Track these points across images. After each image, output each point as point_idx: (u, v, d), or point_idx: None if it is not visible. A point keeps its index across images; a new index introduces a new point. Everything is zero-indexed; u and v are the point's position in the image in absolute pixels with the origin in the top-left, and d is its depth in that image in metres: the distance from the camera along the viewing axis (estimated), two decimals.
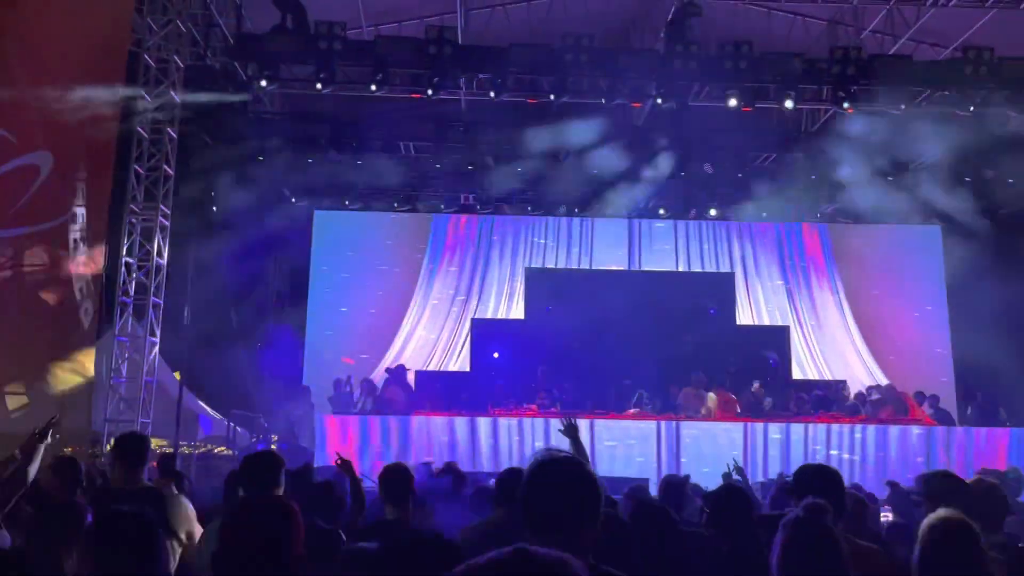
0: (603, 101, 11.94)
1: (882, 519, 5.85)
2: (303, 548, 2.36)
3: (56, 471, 4.33)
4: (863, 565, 2.85)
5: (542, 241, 15.59)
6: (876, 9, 12.52)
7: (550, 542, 1.87)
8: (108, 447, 10.28)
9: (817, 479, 3.46)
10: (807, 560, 2.36)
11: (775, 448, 11.31)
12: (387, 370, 13.35)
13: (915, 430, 11.60)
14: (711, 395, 12.18)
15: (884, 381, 14.20)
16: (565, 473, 2.05)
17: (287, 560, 2.26)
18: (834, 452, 11.21)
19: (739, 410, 12.18)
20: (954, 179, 13.85)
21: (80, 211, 10.06)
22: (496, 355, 13.88)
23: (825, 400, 12.75)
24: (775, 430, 11.46)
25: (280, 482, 3.76)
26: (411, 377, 13.16)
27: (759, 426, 11.51)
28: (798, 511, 2.56)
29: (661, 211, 15.08)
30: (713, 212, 15.19)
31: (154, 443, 11.49)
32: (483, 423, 11.37)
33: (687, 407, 12.12)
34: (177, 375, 12.06)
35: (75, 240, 10.05)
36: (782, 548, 2.40)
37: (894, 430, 11.52)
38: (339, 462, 5.13)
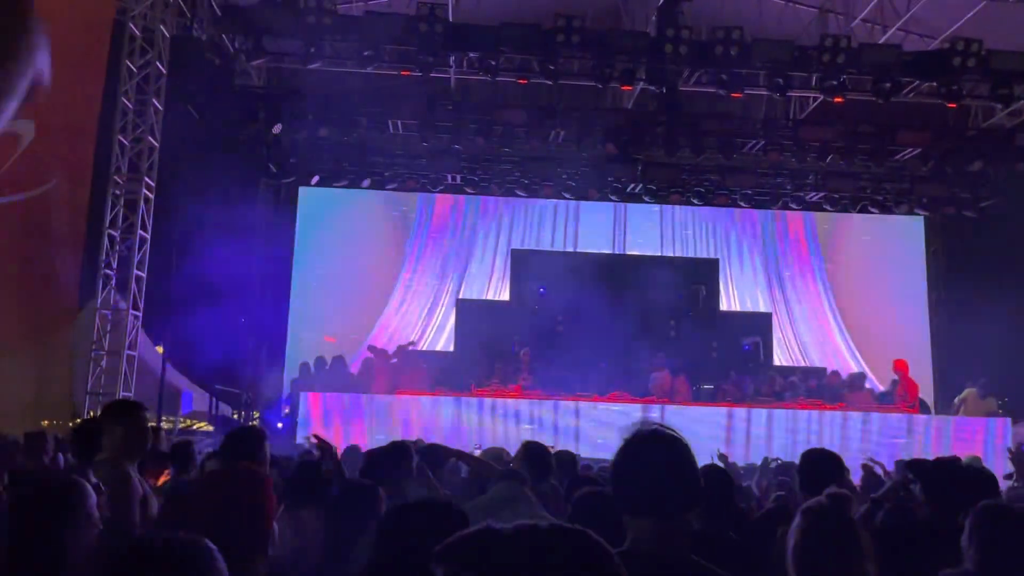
0: (593, 83, 11.91)
1: None
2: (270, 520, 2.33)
3: (26, 442, 4.32)
4: None
5: (528, 223, 15.57)
6: None
7: (653, 522, 1.83)
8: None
9: (824, 463, 3.47)
10: (827, 551, 2.28)
11: (757, 433, 11.42)
12: (369, 348, 13.33)
13: (894, 417, 11.75)
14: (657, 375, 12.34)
15: (864, 368, 14.35)
16: (671, 450, 1.91)
17: (249, 531, 2.23)
18: (813, 437, 11.32)
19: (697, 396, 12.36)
20: (938, 170, 13.94)
21: (63, 181, 9.93)
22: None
23: (806, 387, 12.87)
24: (757, 416, 11.57)
25: (261, 456, 3.75)
26: (394, 356, 13.13)
27: (741, 411, 11.62)
28: (821, 499, 2.49)
29: (646, 197, 15.08)
30: (699, 198, 15.20)
31: None
32: (465, 403, 11.39)
33: (657, 390, 12.28)
34: (160, 349, 11.98)
35: (57, 210, 9.93)
36: (801, 535, 2.31)
37: (873, 416, 11.67)
38: (317, 442, 5.10)
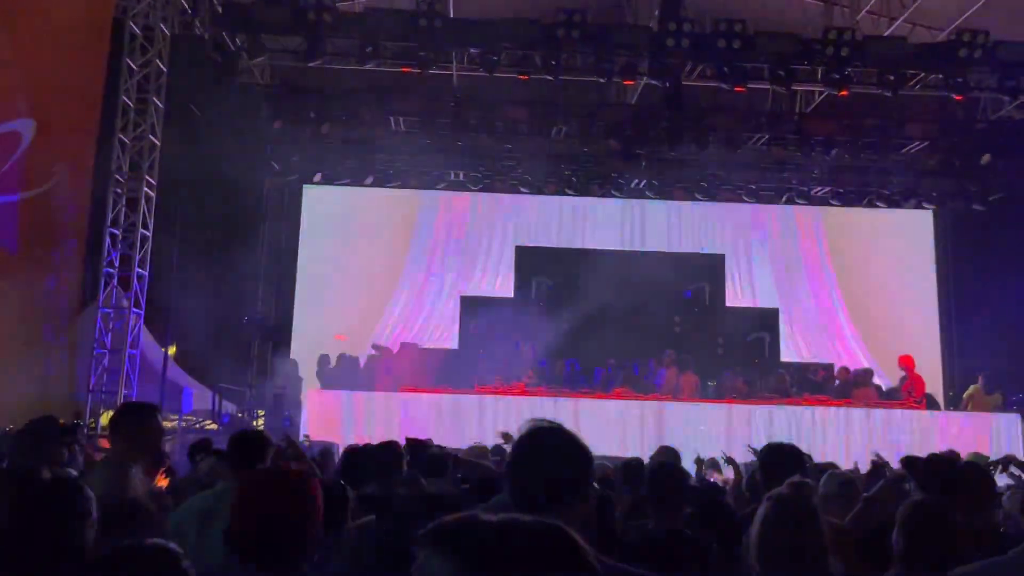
0: (595, 78, 11.84)
1: None
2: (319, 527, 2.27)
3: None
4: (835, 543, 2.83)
5: (532, 219, 15.51)
6: None
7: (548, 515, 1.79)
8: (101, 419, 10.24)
9: (782, 457, 3.45)
10: (787, 535, 2.31)
11: (762, 430, 11.33)
12: (374, 346, 13.31)
13: (899, 413, 11.64)
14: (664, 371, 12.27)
15: (872, 364, 14.22)
16: (554, 443, 1.91)
17: (309, 535, 2.14)
18: (819, 433, 11.23)
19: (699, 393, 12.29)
20: (946, 163, 13.80)
21: (63, 180, 9.95)
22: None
23: (812, 383, 12.78)
24: (762, 413, 11.49)
25: (264, 462, 3.73)
26: (398, 353, 13.10)
27: (746, 408, 11.55)
28: (782, 488, 2.53)
29: (649, 193, 15.00)
30: (703, 193, 15.11)
31: None
32: (469, 400, 11.35)
33: (664, 387, 12.21)
34: (172, 350, 11.98)
35: (58, 208, 9.95)
36: (762, 522, 2.36)
37: (878, 413, 11.56)
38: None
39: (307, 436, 10.24)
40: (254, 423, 12.90)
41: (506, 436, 5.35)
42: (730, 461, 6.48)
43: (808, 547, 2.23)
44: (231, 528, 2.02)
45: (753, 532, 2.29)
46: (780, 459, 3.38)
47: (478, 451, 5.13)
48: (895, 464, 6.73)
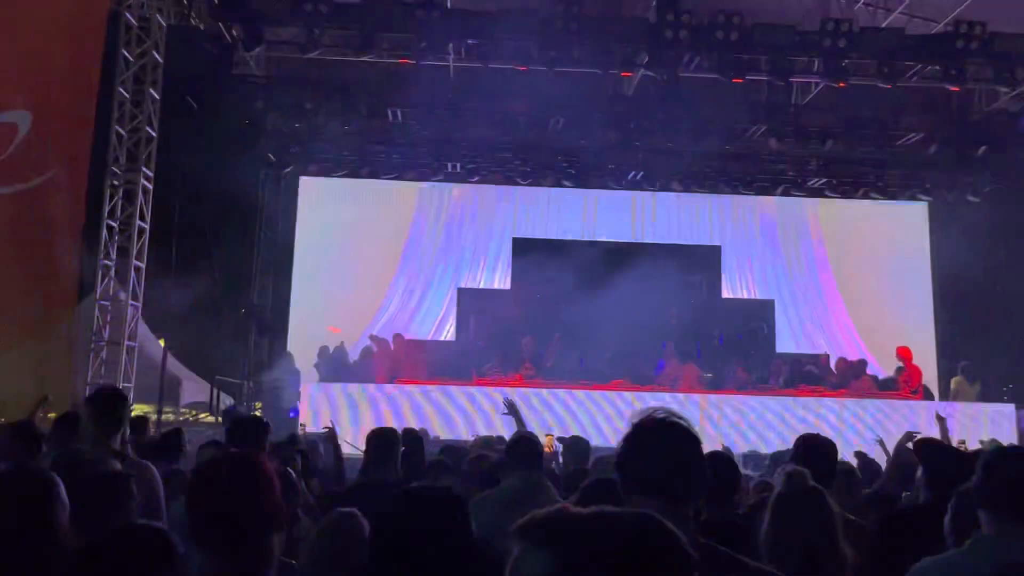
0: (593, 69, 11.82)
1: None
2: (277, 505, 2.28)
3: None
4: (851, 537, 2.85)
5: (529, 211, 15.50)
6: None
7: (662, 504, 1.79)
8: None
9: (812, 450, 3.47)
10: (797, 524, 2.31)
11: (757, 421, 11.39)
12: (370, 337, 13.31)
13: (897, 403, 11.70)
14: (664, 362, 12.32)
15: (868, 355, 14.28)
16: (677, 436, 1.93)
17: (261, 516, 2.16)
18: (815, 424, 11.27)
19: (703, 384, 12.32)
20: (942, 155, 13.83)
21: (60, 172, 9.90)
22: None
23: (808, 374, 12.82)
24: (758, 403, 11.55)
25: (262, 446, 3.76)
26: (395, 345, 13.11)
27: (741, 399, 11.60)
28: (786, 479, 2.52)
29: (647, 184, 15.00)
30: (700, 185, 15.13)
31: (141, 410, 11.46)
32: (466, 392, 11.36)
33: (664, 378, 12.24)
34: (162, 341, 11.97)
35: (55, 201, 9.91)
36: (772, 511, 2.36)
37: (876, 403, 11.62)
38: (327, 428, 5.33)
39: (302, 425, 10.28)
40: (256, 415, 12.90)
41: (510, 405, 5.31)
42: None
43: (819, 537, 2.24)
44: (187, 515, 2.04)
45: (764, 523, 2.30)
46: (806, 451, 3.41)
47: (483, 443, 5.14)
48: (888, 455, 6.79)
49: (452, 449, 5.39)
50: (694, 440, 1.95)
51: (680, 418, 1.99)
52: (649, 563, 1.05)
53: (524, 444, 3.93)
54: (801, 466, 3.39)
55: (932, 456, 3.55)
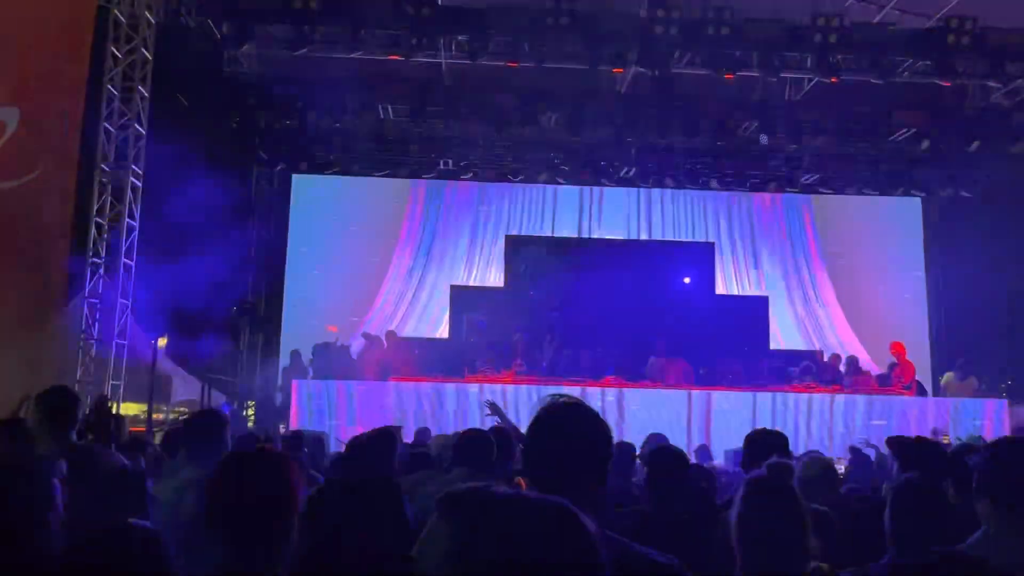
0: (584, 65, 11.80)
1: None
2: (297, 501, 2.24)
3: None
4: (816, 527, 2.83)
5: (522, 208, 15.49)
6: None
7: (557, 491, 1.76)
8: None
9: (768, 443, 3.46)
10: (766, 518, 2.29)
11: (749, 416, 11.36)
12: (364, 335, 13.29)
13: (890, 399, 11.70)
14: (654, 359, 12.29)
15: (862, 351, 14.28)
16: (575, 419, 1.89)
17: (281, 517, 2.08)
18: (807, 420, 11.27)
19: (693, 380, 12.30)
20: (935, 151, 13.82)
21: (48, 169, 9.84)
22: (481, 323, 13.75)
23: (801, 370, 12.79)
24: (749, 399, 11.53)
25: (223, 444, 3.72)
26: (388, 343, 13.08)
27: (734, 395, 11.58)
28: (761, 470, 2.50)
29: (639, 181, 14.98)
30: (693, 181, 15.11)
31: (131, 408, 11.42)
32: (459, 389, 11.33)
33: (652, 375, 12.21)
34: (162, 342, 11.90)
35: (43, 199, 9.85)
36: (742, 504, 2.33)
37: (862, 399, 11.63)
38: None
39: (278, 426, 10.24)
40: (244, 414, 12.87)
41: (492, 406, 5.36)
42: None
43: (788, 529, 2.21)
44: (205, 506, 2.01)
45: (733, 515, 2.27)
46: (763, 443, 3.38)
47: (443, 445, 5.11)
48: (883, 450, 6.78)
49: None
50: (593, 420, 1.90)
51: (577, 401, 1.97)
52: (551, 554, 1.05)
53: (470, 439, 3.89)
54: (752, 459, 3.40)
55: (904, 451, 3.54)
